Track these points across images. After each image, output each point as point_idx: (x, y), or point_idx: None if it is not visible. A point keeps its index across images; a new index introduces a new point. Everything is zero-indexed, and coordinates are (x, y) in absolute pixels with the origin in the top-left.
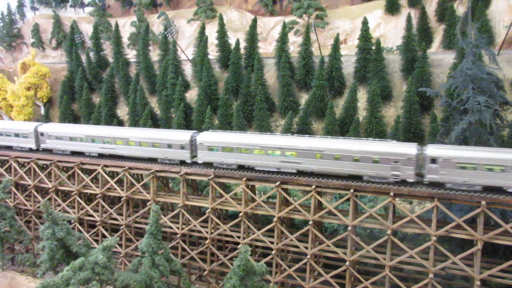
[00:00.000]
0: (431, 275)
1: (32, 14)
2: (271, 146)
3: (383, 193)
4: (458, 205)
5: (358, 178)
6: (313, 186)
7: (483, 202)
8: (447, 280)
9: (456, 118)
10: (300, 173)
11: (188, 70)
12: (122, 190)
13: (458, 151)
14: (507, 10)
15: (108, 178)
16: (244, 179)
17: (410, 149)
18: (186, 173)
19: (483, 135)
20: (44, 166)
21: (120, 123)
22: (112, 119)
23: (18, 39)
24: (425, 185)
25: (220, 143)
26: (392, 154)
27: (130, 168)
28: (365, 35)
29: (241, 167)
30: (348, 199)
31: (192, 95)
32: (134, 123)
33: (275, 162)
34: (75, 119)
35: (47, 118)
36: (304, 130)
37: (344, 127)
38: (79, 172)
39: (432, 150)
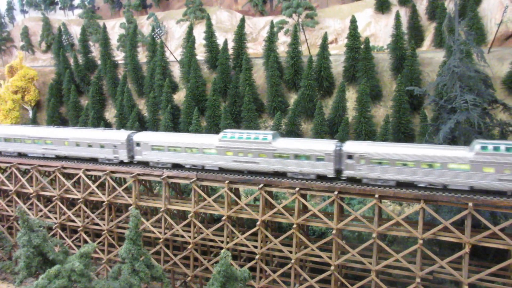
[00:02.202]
0: (418, 280)
1: (22, 17)
2: (36, 137)
3: (368, 195)
4: (447, 207)
5: (95, 160)
6: (297, 189)
7: (470, 204)
8: (436, 284)
9: (444, 118)
10: (58, 157)
11: (176, 71)
12: (104, 194)
13: (152, 137)
14: (498, 7)
15: (90, 182)
16: (227, 182)
17: (121, 135)
18: (168, 176)
19: (471, 135)
20: (26, 171)
21: (107, 125)
22: (100, 122)
23: (8, 42)
24: (411, 187)
25: (1, 135)
26: (112, 140)
27: (111, 172)
28: (353, 34)
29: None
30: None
31: (180, 96)
32: (122, 125)
33: (40, 149)
34: (62, 123)
35: (34, 122)
36: (293, 130)
37: (333, 127)
38: (60, 176)
39: (135, 136)
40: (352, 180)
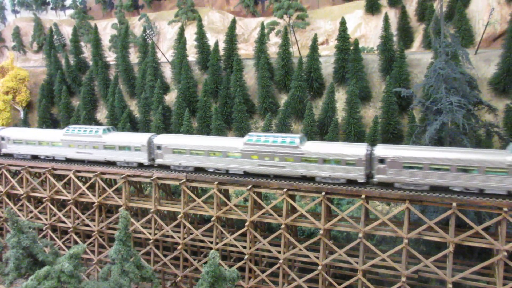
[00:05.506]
0: (403, 279)
1: (13, 17)
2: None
3: (354, 195)
4: (433, 207)
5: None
6: (285, 189)
7: (454, 204)
8: (422, 283)
9: (430, 119)
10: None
11: (168, 72)
12: (94, 195)
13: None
14: (486, 9)
15: (80, 184)
16: (216, 183)
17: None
18: (158, 178)
19: (456, 136)
20: (16, 172)
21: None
22: (91, 123)
23: (0, 42)
24: (397, 187)
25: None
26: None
27: (102, 173)
28: (343, 35)
29: None
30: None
31: (171, 97)
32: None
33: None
34: (54, 124)
35: (25, 123)
36: (283, 131)
37: (323, 128)
38: (50, 177)
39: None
40: None
